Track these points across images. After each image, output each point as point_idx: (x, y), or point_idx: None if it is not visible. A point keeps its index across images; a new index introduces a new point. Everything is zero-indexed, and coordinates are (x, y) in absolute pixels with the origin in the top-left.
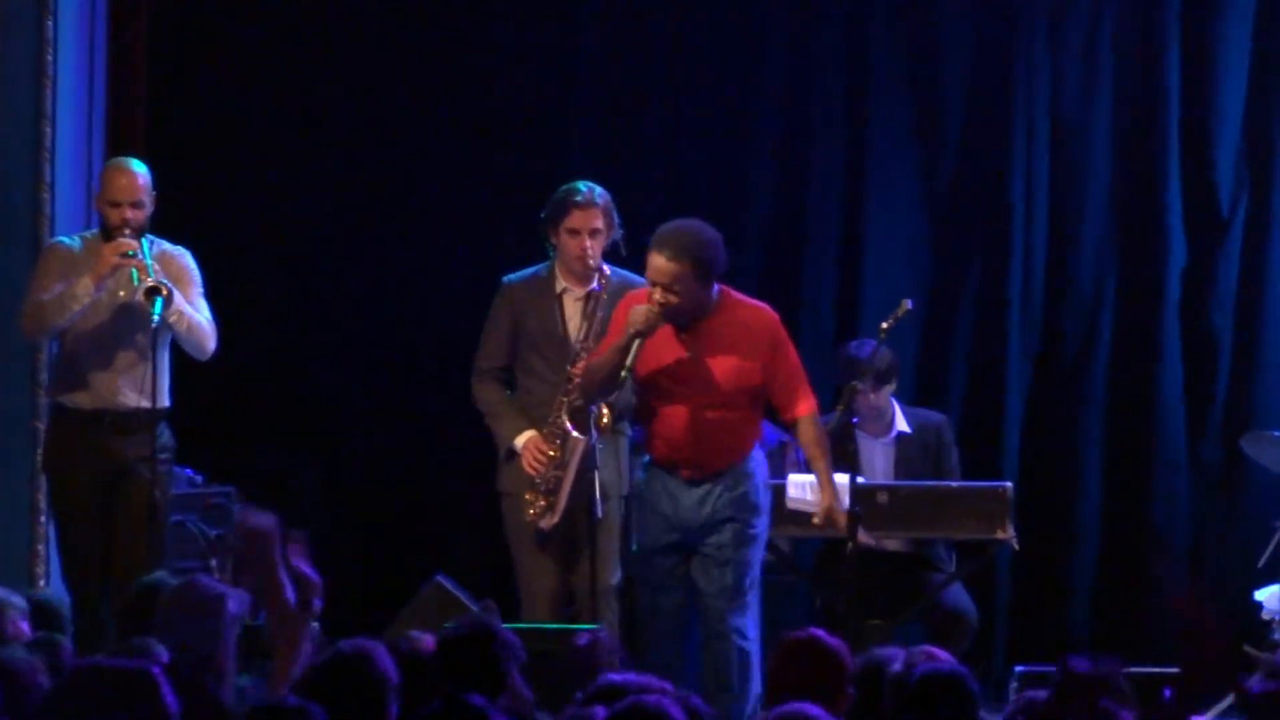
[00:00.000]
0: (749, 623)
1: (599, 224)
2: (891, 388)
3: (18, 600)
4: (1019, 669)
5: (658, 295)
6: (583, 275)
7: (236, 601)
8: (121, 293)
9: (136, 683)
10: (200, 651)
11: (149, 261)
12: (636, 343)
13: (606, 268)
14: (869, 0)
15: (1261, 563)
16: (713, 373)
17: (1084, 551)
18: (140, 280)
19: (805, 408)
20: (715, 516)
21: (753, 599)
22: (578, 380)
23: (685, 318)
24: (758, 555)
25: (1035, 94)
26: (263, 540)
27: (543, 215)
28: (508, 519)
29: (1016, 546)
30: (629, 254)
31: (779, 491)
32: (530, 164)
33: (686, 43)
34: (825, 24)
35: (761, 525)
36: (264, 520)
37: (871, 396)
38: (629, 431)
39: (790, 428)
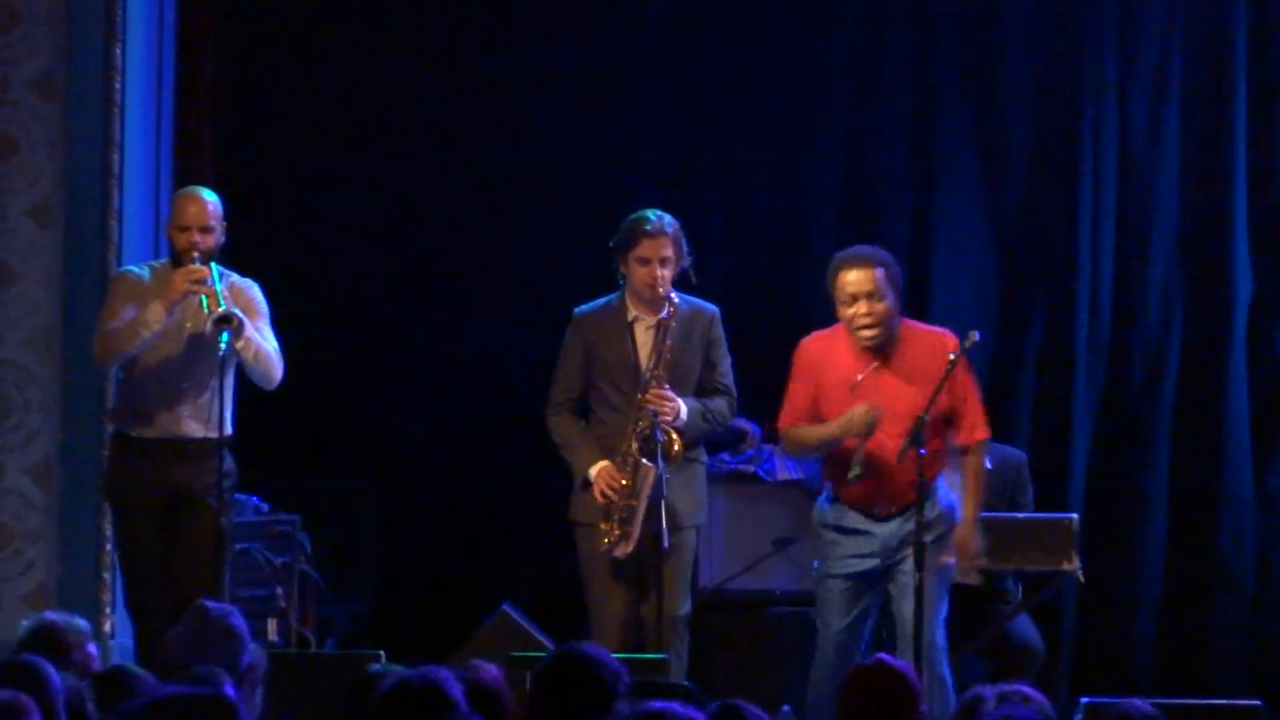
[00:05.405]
0: (940, 635)
1: (669, 252)
2: None
3: (82, 624)
4: (1084, 700)
5: (863, 308)
6: (653, 303)
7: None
8: (189, 324)
9: (215, 710)
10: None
11: (220, 289)
12: (859, 450)
13: (676, 295)
14: (935, 33)
15: None
16: (900, 405)
17: (1149, 583)
18: (210, 308)
19: (972, 436)
20: (908, 540)
21: (944, 608)
22: (648, 407)
23: (886, 336)
24: (948, 569)
25: (1103, 127)
26: None
27: (612, 244)
28: (581, 548)
29: (1082, 578)
30: (700, 282)
31: None
32: (596, 195)
33: (750, 78)
34: (891, 60)
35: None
36: None
37: None
38: (705, 459)
39: (960, 453)
